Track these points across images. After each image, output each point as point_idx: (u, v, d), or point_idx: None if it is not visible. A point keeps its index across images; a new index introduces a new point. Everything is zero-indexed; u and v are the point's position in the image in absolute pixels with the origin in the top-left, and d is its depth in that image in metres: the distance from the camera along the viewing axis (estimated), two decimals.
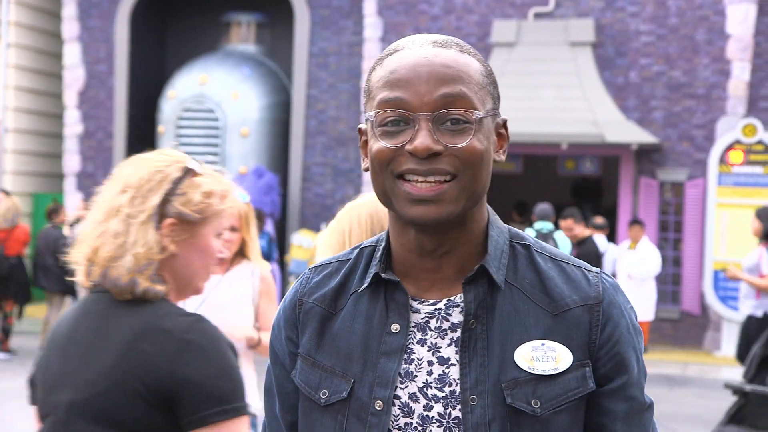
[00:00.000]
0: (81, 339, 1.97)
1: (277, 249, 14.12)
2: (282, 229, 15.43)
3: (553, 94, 13.58)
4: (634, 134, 13.10)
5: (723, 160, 13.36)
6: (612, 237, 13.59)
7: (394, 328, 1.41)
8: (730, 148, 13.33)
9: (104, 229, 2.00)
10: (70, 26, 16.24)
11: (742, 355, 8.93)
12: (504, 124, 1.45)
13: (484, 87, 1.40)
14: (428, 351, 1.40)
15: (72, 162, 16.30)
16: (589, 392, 1.38)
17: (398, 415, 1.39)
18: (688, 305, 13.72)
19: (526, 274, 1.43)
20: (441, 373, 1.38)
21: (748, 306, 8.79)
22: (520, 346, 1.37)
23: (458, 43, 1.43)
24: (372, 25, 14.83)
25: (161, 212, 2.00)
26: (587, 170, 14.57)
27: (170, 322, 1.91)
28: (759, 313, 8.73)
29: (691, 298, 13.69)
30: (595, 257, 9.69)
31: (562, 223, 10.01)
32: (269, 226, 13.91)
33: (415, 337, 1.41)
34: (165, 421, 1.89)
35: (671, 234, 13.91)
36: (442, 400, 1.37)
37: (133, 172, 2.04)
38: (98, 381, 1.90)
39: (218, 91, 15.11)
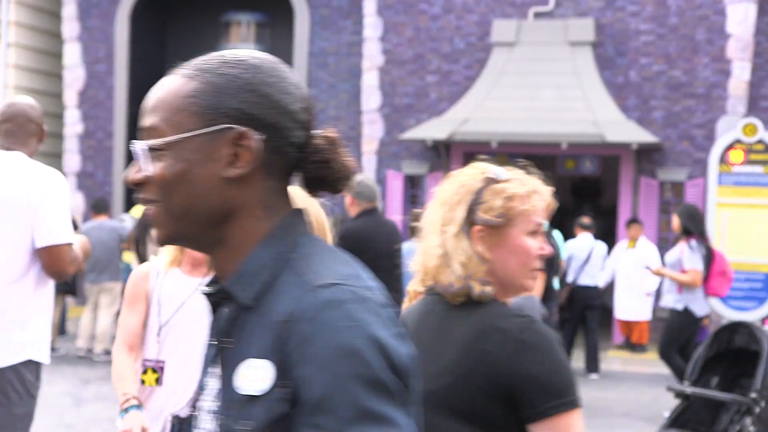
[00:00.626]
0: (425, 337, 2.23)
1: None
2: None
3: (553, 94, 13.57)
4: (634, 134, 13.09)
5: (723, 159, 13.35)
6: (612, 236, 13.58)
7: (212, 339, 1.46)
8: (730, 147, 13.31)
9: (427, 244, 2.28)
10: (70, 26, 16.24)
11: (664, 351, 8.92)
12: (242, 136, 1.36)
13: (183, 109, 1.37)
14: (215, 365, 1.43)
15: (72, 162, 16.31)
16: (283, 415, 1.29)
17: (200, 427, 1.44)
18: None
19: (277, 291, 1.36)
20: (214, 388, 1.42)
21: (670, 300, 8.82)
22: (241, 366, 1.34)
23: (198, 64, 1.41)
24: (371, 24, 14.82)
25: (469, 222, 2.23)
26: (587, 170, 14.55)
27: (506, 323, 2.13)
28: (680, 307, 8.73)
29: None
30: (553, 256, 9.50)
31: None
32: None
33: (215, 351, 1.44)
34: (502, 413, 2.11)
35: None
36: (213, 414, 1.41)
37: (445, 189, 2.30)
38: (443, 375, 2.14)
39: None
